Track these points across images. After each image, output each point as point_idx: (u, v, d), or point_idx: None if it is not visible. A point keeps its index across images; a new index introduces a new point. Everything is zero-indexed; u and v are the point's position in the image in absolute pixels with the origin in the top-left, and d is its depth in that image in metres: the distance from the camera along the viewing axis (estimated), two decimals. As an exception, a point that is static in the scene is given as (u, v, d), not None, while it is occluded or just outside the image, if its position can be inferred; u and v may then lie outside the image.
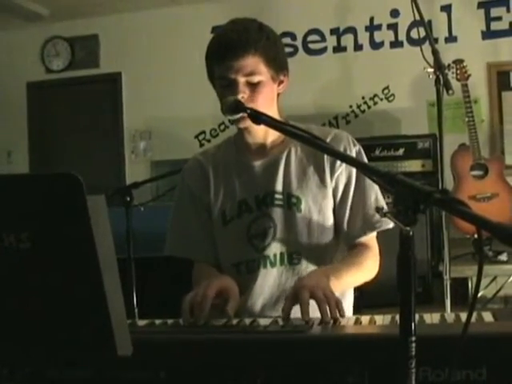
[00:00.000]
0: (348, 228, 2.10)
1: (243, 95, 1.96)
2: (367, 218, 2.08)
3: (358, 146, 2.12)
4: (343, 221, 2.10)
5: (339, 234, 2.13)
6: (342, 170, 2.09)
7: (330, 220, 2.11)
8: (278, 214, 2.08)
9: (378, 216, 2.06)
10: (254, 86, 1.99)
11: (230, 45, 1.96)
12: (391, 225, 2.04)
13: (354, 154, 2.08)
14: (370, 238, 2.13)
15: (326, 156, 2.08)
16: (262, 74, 1.99)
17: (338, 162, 2.08)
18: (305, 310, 1.70)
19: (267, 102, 2.02)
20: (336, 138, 2.10)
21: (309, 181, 2.09)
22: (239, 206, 2.11)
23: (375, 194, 2.08)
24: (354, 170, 2.09)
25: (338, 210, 2.11)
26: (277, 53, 2.05)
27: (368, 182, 2.08)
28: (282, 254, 2.08)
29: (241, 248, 2.11)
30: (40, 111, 7.22)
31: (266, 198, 2.09)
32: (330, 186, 2.09)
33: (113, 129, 6.99)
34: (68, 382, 1.53)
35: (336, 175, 2.09)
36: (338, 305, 1.73)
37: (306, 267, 2.09)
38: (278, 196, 2.09)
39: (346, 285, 2.04)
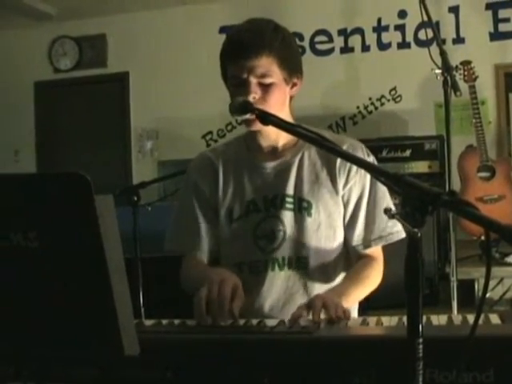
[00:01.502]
0: (359, 240, 2.10)
1: (255, 95, 1.95)
2: (380, 231, 2.08)
3: (372, 157, 2.11)
4: (354, 233, 2.10)
5: (348, 244, 2.13)
6: (356, 182, 2.08)
7: (338, 227, 2.11)
8: (288, 217, 2.07)
9: (389, 229, 2.07)
10: (265, 88, 1.97)
11: (245, 44, 1.95)
12: (402, 236, 2.05)
13: None
14: (377, 249, 2.14)
15: (338, 164, 2.08)
16: (275, 75, 1.98)
17: (353, 173, 2.07)
18: (316, 315, 1.72)
19: (278, 104, 2.01)
20: (351, 147, 2.08)
21: (321, 186, 2.08)
22: (247, 205, 2.11)
23: (387, 207, 2.08)
24: (367, 183, 2.09)
25: (349, 221, 2.11)
26: (291, 55, 2.04)
27: (380, 194, 2.09)
28: (290, 257, 2.08)
29: (245, 248, 2.10)
30: (47, 110, 7.24)
31: (275, 199, 2.09)
32: (341, 194, 2.09)
33: (120, 128, 6.99)
34: (74, 381, 1.53)
35: (349, 186, 2.08)
36: (345, 313, 1.75)
37: (313, 272, 2.09)
38: (288, 199, 2.08)
39: (354, 302, 2.07)
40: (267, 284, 2.08)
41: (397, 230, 2.07)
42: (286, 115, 2.04)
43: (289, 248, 2.08)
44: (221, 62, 2.07)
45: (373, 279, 2.09)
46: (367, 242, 2.10)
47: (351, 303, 2.01)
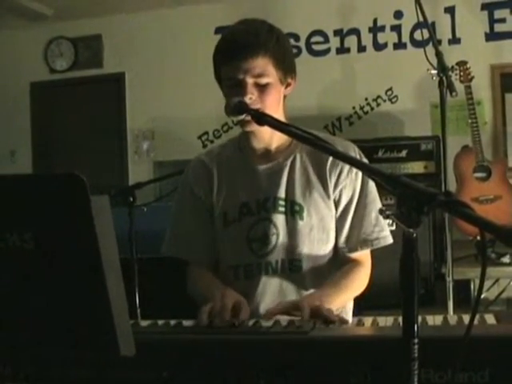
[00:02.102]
0: (345, 242, 2.11)
1: (251, 96, 1.95)
2: (366, 235, 2.08)
3: (364, 159, 2.10)
4: (341, 235, 2.11)
5: (336, 246, 2.13)
6: (346, 185, 2.08)
7: (331, 230, 2.11)
8: (280, 220, 2.08)
9: (375, 234, 2.07)
10: (262, 88, 1.98)
11: (240, 45, 1.95)
12: (389, 241, 2.05)
13: None
14: (365, 254, 2.13)
15: (328, 167, 2.08)
16: (271, 75, 1.98)
17: (343, 176, 2.08)
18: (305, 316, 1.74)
19: (274, 104, 2.02)
20: (344, 148, 2.08)
21: (312, 189, 2.08)
22: (240, 208, 2.11)
23: (376, 211, 2.08)
24: (358, 187, 2.09)
25: (337, 223, 2.11)
26: (286, 55, 2.04)
27: (370, 198, 2.09)
28: (283, 260, 2.08)
29: (240, 251, 2.11)
30: (43, 111, 7.22)
31: (267, 202, 2.09)
32: (332, 197, 2.09)
33: (116, 129, 6.98)
34: (70, 381, 1.53)
35: (339, 188, 2.08)
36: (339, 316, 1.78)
37: (306, 275, 2.09)
38: (281, 202, 2.08)
39: (335, 308, 2.01)
40: (261, 287, 2.08)
41: (384, 236, 2.08)
42: (280, 115, 2.04)
43: (282, 251, 2.08)
44: (214, 63, 2.07)
45: (356, 286, 2.10)
46: (353, 245, 2.10)
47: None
